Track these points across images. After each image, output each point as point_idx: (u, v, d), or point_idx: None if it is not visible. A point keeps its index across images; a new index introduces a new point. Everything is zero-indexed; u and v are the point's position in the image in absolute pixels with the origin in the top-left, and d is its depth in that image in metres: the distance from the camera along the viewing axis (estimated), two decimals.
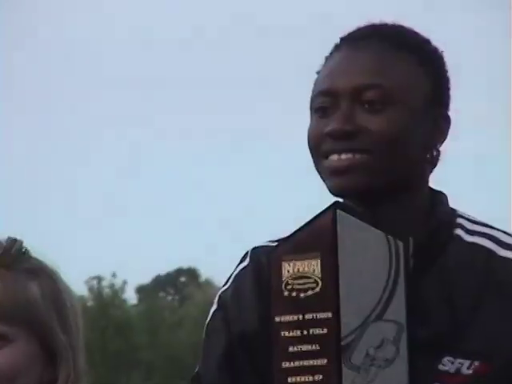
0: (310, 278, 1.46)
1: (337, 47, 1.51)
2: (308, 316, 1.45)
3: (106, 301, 30.90)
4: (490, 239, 1.49)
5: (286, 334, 1.46)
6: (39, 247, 1.51)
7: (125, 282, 31.77)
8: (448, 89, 1.51)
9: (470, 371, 1.44)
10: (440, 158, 1.49)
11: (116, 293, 31.30)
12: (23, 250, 1.48)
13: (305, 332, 1.46)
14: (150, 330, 30.49)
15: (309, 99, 1.50)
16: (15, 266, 1.46)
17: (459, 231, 1.50)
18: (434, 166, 1.49)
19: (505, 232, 1.50)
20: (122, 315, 30.68)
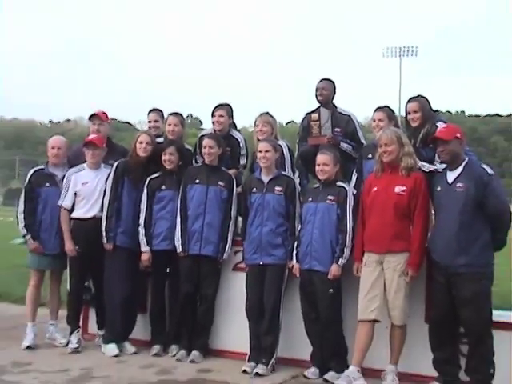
0: (315, 116, 9.78)
1: (318, 82, 10.01)
2: (315, 123, 9.78)
3: None
4: (344, 112, 10.00)
5: (312, 125, 9.77)
6: None
7: None
8: (335, 89, 10.02)
9: (340, 130, 9.83)
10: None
11: None
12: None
13: (315, 125, 9.76)
14: None
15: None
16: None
17: (337, 109, 10.00)
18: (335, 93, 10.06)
19: (346, 113, 10.00)
20: None
